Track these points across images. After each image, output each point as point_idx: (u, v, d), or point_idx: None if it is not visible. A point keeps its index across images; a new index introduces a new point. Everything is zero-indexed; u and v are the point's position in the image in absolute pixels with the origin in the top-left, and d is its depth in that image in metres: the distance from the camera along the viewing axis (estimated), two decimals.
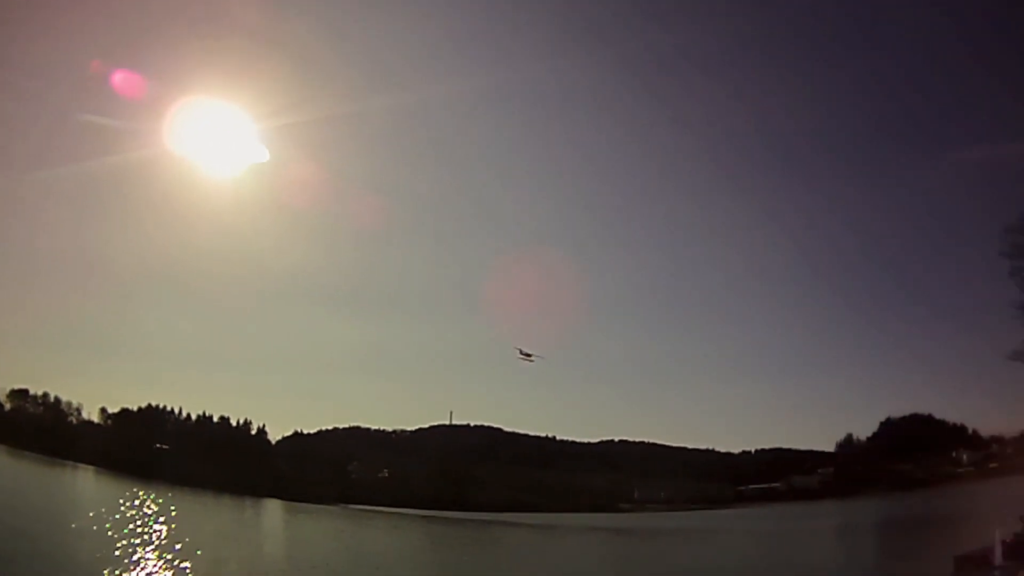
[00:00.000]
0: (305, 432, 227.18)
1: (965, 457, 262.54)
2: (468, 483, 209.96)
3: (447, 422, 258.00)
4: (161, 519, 61.70)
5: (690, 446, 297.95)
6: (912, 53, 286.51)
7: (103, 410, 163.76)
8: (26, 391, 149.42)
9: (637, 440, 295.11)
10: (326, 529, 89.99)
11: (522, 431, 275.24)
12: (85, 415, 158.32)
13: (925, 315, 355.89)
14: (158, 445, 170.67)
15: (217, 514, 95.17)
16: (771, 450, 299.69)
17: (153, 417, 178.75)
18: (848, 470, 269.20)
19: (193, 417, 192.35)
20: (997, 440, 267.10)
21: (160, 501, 77.00)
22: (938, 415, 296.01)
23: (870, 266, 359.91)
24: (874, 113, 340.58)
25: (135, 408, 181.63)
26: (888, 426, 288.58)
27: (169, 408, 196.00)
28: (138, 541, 46.87)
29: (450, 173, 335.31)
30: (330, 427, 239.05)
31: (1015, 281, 44.25)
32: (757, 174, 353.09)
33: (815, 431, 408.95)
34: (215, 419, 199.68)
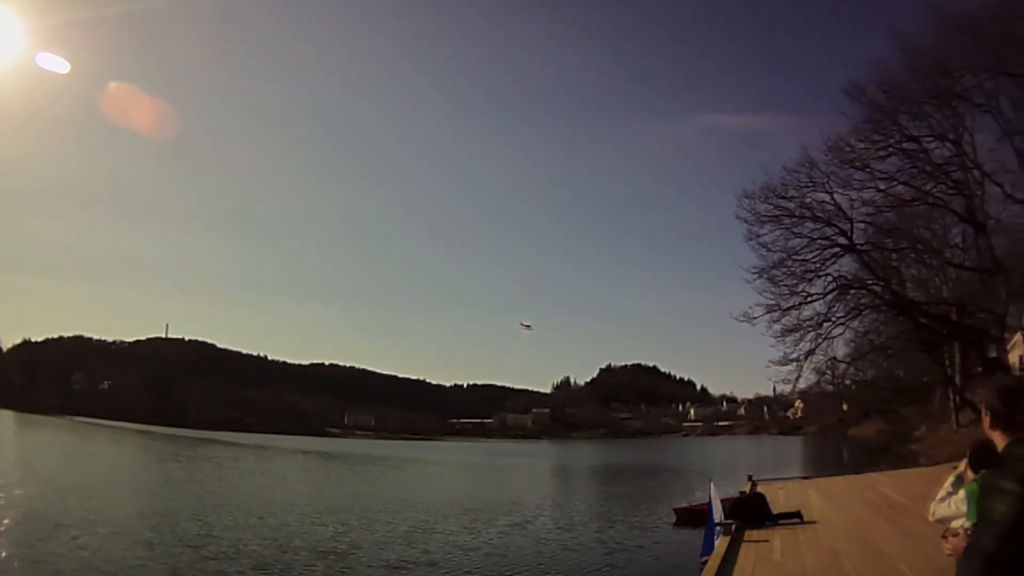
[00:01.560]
0: (34, 340, 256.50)
1: (692, 412, 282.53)
2: (182, 399, 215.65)
3: (163, 335, 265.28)
4: None
5: (400, 375, 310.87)
6: (665, 15, 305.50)
7: None
8: None
9: (347, 365, 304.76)
10: (52, 441, 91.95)
11: (235, 348, 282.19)
12: None
13: (654, 266, 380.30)
14: None
15: None
16: (484, 386, 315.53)
17: None
18: (564, 412, 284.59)
19: None
20: (729, 399, 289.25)
21: None
22: (664, 368, 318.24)
23: (606, 215, 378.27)
24: (622, 68, 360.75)
25: None
26: (608, 373, 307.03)
27: None
28: None
29: (229, 80, 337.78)
30: (56, 336, 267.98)
31: (749, 246, 45.66)
32: (499, 120, 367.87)
33: (531, 371, 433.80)
34: None
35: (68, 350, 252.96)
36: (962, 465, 6.37)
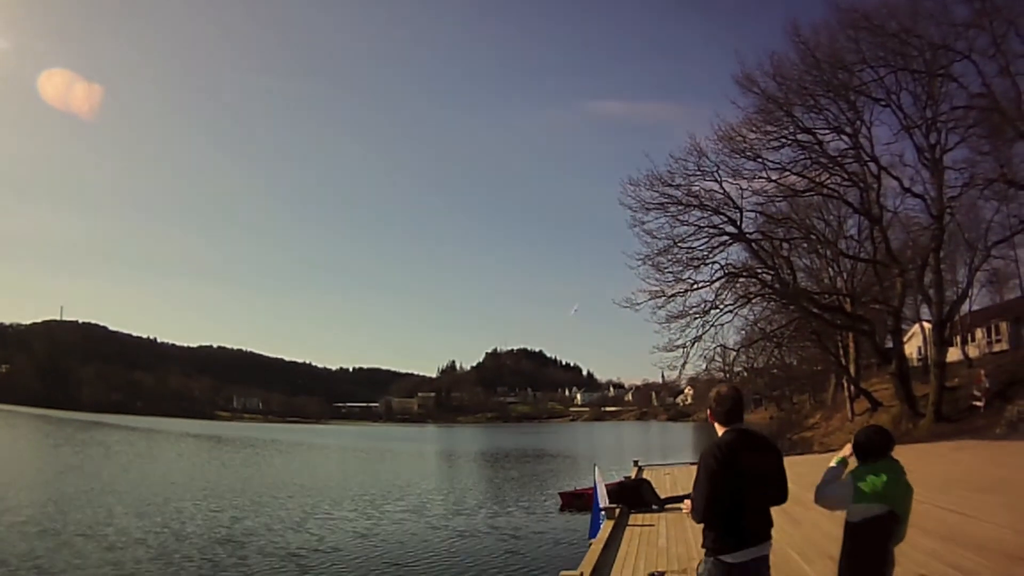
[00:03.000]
0: None
1: (579, 397, 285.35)
2: (74, 382, 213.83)
3: (58, 317, 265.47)
4: None
5: (287, 358, 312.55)
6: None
7: None
8: None
9: (235, 348, 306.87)
10: None
11: (126, 331, 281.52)
12: None
13: (540, 251, 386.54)
14: None
15: None
16: (370, 370, 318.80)
17: None
18: (450, 396, 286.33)
19: None
20: (616, 385, 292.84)
21: None
22: (550, 353, 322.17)
23: (493, 199, 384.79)
24: (507, 53, 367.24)
25: None
26: (494, 357, 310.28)
27: None
28: None
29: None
30: None
31: (634, 233, 46.12)
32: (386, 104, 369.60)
33: (417, 355, 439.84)
34: None
35: None
36: (846, 450, 6.86)
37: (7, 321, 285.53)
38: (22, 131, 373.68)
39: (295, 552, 21.66)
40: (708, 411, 6.13)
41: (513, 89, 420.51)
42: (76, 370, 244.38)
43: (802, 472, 28.72)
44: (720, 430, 5.91)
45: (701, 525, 5.80)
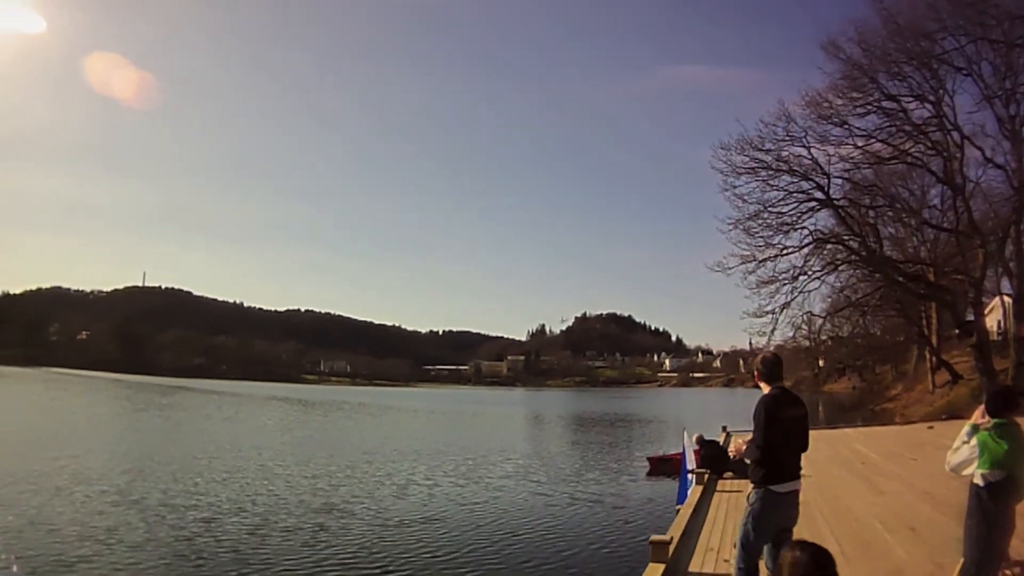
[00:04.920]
0: (11, 292, 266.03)
1: (667, 362, 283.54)
2: (154, 347, 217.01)
3: (141, 283, 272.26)
4: None
5: (376, 321, 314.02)
6: None
7: None
8: None
9: (323, 311, 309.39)
10: (26, 392, 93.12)
11: (211, 295, 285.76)
12: None
13: (629, 219, 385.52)
14: None
15: None
16: (460, 332, 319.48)
17: None
18: (539, 360, 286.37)
19: None
20: (705, 351, 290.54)
21: None
22: (639, 318, 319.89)
23: (584, 165, 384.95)
24: (589, 20, 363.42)
25: None
26: (583, 321, 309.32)
27: None
28: None
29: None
30: (34, 287, 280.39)
31: (725, 196, 45.81)
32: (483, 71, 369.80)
33: (507, 318, 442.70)
34: None
35: (45, 301, 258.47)
36: (976, 416, 7.38)
37: (88, 288, 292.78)
38: (94, 108, 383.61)
39: (403, 521, 20.88)
40: (755, 372, 7.54)
41: (592, 56, 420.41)
42: (154, 335, 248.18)
43: (884, 443, 28.59)
44: (765, 388, 7.32)
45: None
